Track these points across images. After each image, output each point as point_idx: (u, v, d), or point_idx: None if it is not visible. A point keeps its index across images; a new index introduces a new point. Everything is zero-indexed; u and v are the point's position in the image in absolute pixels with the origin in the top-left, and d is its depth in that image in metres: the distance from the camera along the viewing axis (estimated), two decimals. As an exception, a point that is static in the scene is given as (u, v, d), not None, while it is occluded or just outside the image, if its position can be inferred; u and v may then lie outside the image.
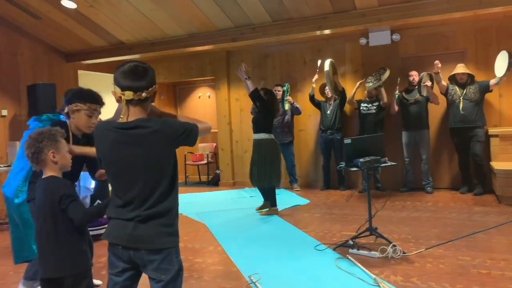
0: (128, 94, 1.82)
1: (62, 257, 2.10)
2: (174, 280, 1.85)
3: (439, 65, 5.84)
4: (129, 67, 1.85)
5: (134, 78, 1.83)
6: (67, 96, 2.82)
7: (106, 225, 1.97)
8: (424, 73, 6.09)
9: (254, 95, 5.22)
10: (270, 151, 5.30)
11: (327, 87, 6.80)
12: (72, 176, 2.58)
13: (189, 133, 1.89)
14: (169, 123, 1.87)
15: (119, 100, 1.86)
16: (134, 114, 1.85)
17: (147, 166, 1.82)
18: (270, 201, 5.50)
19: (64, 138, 2.25)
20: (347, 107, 7.00)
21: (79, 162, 2.79)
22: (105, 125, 1.91)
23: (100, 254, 3.65)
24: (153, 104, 1.98)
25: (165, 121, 1.87)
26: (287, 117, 7.01)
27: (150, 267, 1.85)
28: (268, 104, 5.32)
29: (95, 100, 2.86)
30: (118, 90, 1.84)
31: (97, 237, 3.63)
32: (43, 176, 2.19)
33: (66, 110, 2.79)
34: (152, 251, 1.83)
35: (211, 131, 2.14)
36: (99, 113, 2.95)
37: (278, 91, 6.90)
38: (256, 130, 5.38)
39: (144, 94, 1.84)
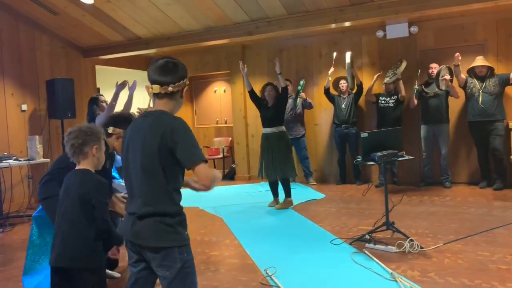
0: (155, 88, 1.92)
1: (79, 248, 2.13)
2: (178, 277, 1.84)
3: (460, 57, 5.73)
4: (160, 63, 1.94)
5: (162, 73, 1.92)
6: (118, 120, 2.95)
7: None
8: (442, 66, 5.98)
9: (251, 97, 5.62)
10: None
11: (341, 81, 6.77)
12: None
13: (188, 152, 1.82)
14: (178, 127, 1.84)
15: (150, 93, 1.96)
16: (158, 106, 1.95)
17: (145, 155, 1.85)
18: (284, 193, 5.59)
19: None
20: (364, 101, 6.93)
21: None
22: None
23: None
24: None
25: (175, 120, 1.86)
26: (299, 110, 6.98)
27: (154, 264, 1.87)
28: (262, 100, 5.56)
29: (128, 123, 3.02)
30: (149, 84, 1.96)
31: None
32: (79, 167, 2.26)
33: (111, 130, 2.90)
34: (151, 248, 1.84)
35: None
36: None
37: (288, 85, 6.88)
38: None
39: (170, 88, 1.92)
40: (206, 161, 1.86)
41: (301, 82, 6.61)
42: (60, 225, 2.18)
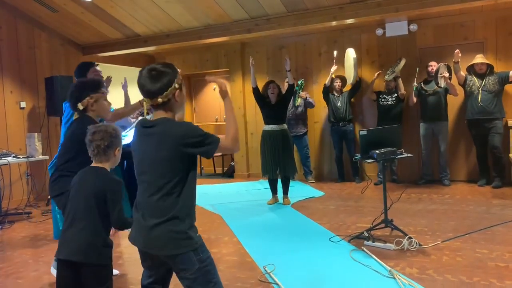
0: (147, 102, 1.89)
1: (91, 243, 2.13)
2: (199, 276, 1.85)
3: (459, 54, 5.73)
4: (144, 73, 1.87)
5: (149, 84, 1.85)
6: (74, 94, 2.78)
7: None
8: (441, 64, 5.98)
9: (254, 94, 5.62)
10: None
11: (337, 80, 6.81)
12: None
13: (203, 144, 1.84)
14: (185, 126, 1.85)
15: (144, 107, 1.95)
16: (158, 115, 1.91)
17: (154, 164, 1.85)
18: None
19: None
20: (360, 99, 6.97)
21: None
22: (138, 123, 2.00)
23: (116, 244, 3.71)
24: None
25: (181, 124, 1.86)
26: (300, 108, 6.98)
27: (173, 267, 1.89)
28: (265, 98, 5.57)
29: (101, 84, 2.91)
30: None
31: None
32: (96, 165, 2.26)
33: (82, 107, 2.75)
34: (166, 257, 1.85)
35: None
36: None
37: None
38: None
39: (159, 100, 1.85)
40: (218, 141, 1.88)
41: (299, 82, 6.59)
42: (72, 220, 2.18)
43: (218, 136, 1.92)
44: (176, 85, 1.87)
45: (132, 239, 1.93)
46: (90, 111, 2.77)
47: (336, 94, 6.87)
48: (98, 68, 3.78)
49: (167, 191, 1.82)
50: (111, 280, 2.22)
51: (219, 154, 8.63)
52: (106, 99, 2.87)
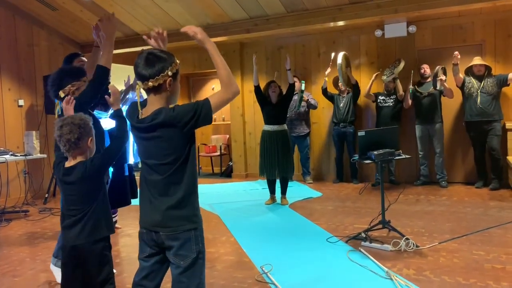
0: (139, 85, 1.87)
1: (94, 224, 2.15)
2: (191, 267, 1.88)
3: (459, 56, 5.74)
4: (141, 56, 1.87)
5: (143, 68, 1.85)
6: (56, 82, 2.75)
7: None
8: (439, 67, 6.00)
9: (256, 92, 5.55)
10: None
11: (340, 81, 6.75)
12: None
13: (199, 114, 1.84)
14: (177, 111, 1.84)
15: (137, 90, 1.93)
16: (151, 103, 1.90)
17: (158, 152, 1.87)
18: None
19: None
20: (361, 100, 6.94)
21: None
22: (129, 114, 1.98)
23: (113, 243, 3.70)
24: None
25: (173, 110, 1.84)
26: (303, 108, 6.97)
27: (171, 252, 1.90)
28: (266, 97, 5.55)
29: (82, 72, 2.88)
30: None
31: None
32: (72, 163, 2.16)
33: (63, 94, 2.70)
34: (169, 236, 1.87)
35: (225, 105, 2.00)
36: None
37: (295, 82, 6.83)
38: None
39: (150, 84, 1.85)
40: (207, 101, 1.86)
41: (302, 85, 6.52)
42: (69, 208, 2.18)
43: (207, 97, 1.89)
44: (169, 73, 1.86)
45: (141, 221, 1.97)
46: None
47: (341, 94, 6.85)
48: (83, 58, 3.82)
49: (173, 170, 1.86)
50: (110, 252, 2.26)
51: (217, 154, 8.62)
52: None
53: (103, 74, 2.84)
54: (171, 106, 1.89)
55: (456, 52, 5.76)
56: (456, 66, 5.82)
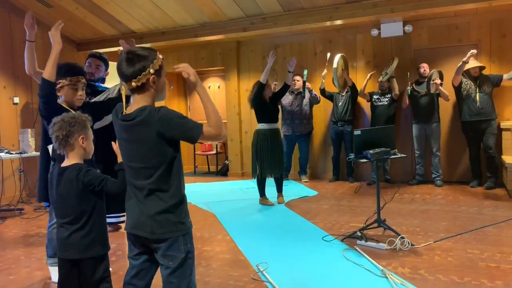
0: (124, 86, 1.86)
1: (89, 239, 2.14)
2: (180, 267, 1.86)
3: (475, 52, 5.59)
4: (123, 56, 1.84)
5: (124, 67, 1.83)
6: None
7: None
8: (434, 70, 6.02)
9: (259, 89, 5.42)
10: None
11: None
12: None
13: (185, 129, 1.81)
14: (161, 115, 1.79)
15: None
16: (136, 102, 1.87)
17: (139, 154, 1.85)
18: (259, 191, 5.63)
19: (91, 126, 2.30)
20: (360, 100, 6.94)
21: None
22: (115, 113, 1.94)
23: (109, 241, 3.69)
24: None
25: (159, 110, 1.80)
26: (306, 107, 6.96)
27: (159, 253, 1.88)
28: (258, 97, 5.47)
29: (74, 72, 2.86)
30: None
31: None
32: (67, 163, 2.19)
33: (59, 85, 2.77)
34: (155, 240, 1.86)
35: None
36: (84, 84, 2.95)
37: (297, 80, 6.84)
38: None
39: (133, 84, 1.82)
40: (201, 126, 1.83)
41: (305, 72, 6.42)
42: (62, 220, 2.18)
43: (201, 122, 1.87)
44: (151, 70, 1.83)
45: (126, 225, 1.94)
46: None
47: (341, 93, 6.85)
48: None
49: (158, 175, 1.83)
50: (108, 270, 2.26)
51: (213, 152, 8.63)
52: (74, 87, 2.83)
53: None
54: (159, 105, 1.86)
55: (474, 51, 5.59)
56: (464, 64, 5.72)
